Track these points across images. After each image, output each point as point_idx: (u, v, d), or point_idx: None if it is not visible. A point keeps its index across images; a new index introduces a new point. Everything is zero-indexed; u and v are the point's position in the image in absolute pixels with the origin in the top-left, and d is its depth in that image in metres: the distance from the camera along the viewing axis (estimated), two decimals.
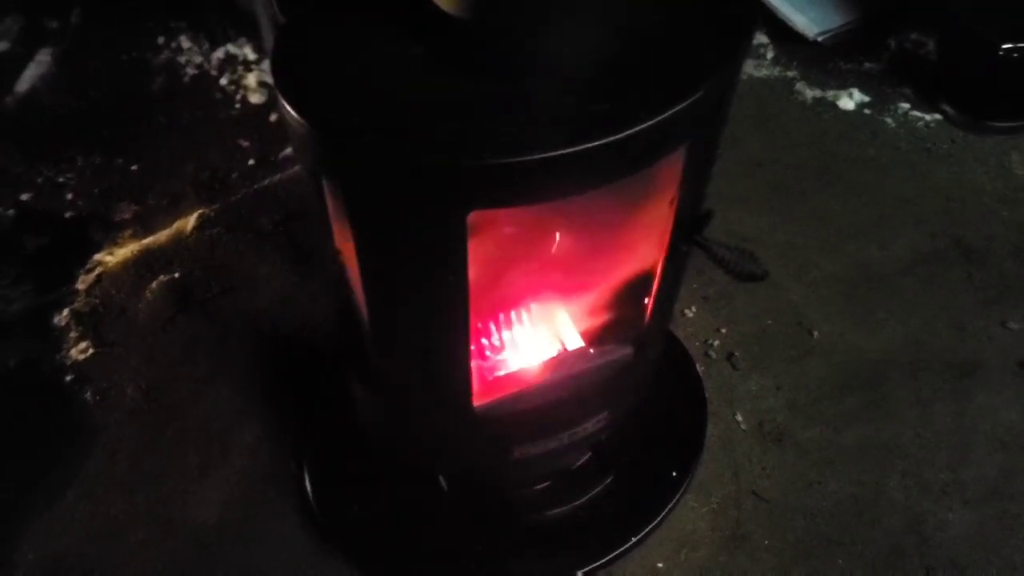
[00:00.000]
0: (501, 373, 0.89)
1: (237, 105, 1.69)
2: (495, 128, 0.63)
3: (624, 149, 0.64)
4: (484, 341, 0.89)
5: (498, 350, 0.89)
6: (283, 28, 0.70)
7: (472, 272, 0.71)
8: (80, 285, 1.41)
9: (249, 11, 1.82)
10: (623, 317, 0.90)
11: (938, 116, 1.64)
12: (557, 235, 0.78)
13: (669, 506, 1.16)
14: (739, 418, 1.26)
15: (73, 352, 1.33)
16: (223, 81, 1.73)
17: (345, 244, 0.86)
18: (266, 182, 1.55)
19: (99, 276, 1.42)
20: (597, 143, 0.62)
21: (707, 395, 1.27)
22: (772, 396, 1.28)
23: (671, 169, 0.73)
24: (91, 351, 1.33)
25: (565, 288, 0.84)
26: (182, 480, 1.20)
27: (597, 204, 0.73)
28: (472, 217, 0.67)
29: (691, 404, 1.26)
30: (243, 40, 1.79)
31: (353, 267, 0.86)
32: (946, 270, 1.42)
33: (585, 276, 0.83)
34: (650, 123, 0.64)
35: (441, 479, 1.12)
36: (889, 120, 1.65)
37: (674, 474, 1.19)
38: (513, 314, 0.88)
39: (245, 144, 1.62)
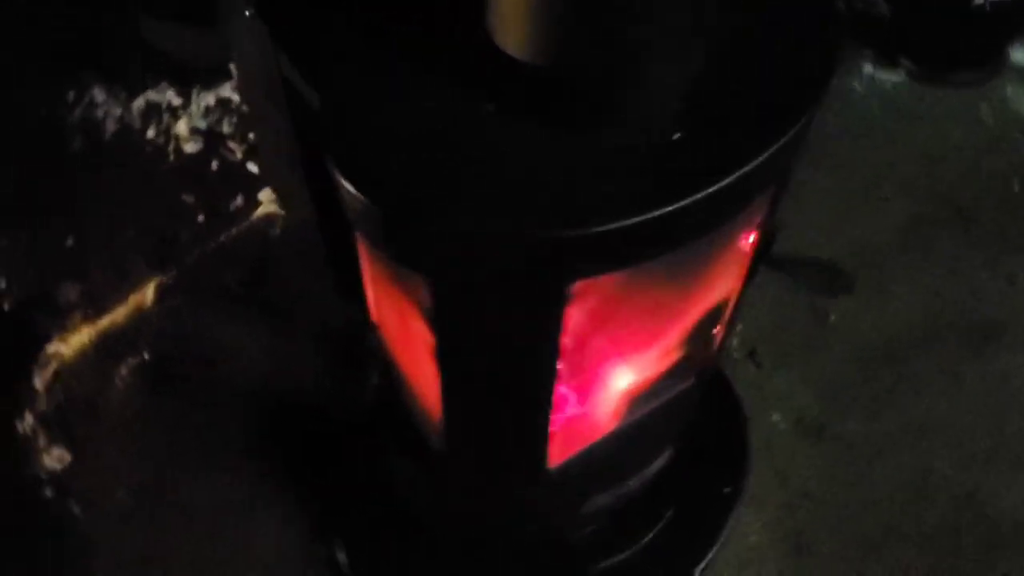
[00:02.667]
0: (573, 430, 0.82)
1: (171, 157, 1.56)
2: (593, 188, 0.56)
3: (733, 192, 0.58)
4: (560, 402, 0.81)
5: (571, 408, 0.81)
6: (328, 94, 0.60)
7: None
8: (37, 384, 1.27)
9: (160, 47, 1.68)
10: (692, 351, 0.83)
11: (903, 75, 1.63)
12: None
13: (728, 525, 1.11)
14: (775, 418, 1.22)
15: (47, 461, 1.19)
16: (150, 133, 1.59)
17: (390, 316, 0.77)
18: (222, 238, 1.43)
19: (57, 371, 1.28)
20: (708, 191, 0.56)
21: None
22: (802, 390, 1.24)
23: (763, 197, 0.67)
24: (67, 457, 1.19)
25: (642, 337, 0.77)
26: None
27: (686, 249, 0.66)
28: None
29: (726, 411, 1.20)
30: (164, 84, 1.65)
31: (403, 343, 0.78)
32: (943, 233, 1.40)
33: (664, 323, 0.76)
34: (758, 161, 0.57)
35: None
36: (856, 85, 1.62)
37: (726, 490, 1.13)
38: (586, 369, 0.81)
39: (189, 200, 1.49)
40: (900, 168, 1.49)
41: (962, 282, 1.34)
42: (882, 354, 1.27)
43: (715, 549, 1.09)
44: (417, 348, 0.73)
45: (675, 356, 0.82)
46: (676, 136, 0.58)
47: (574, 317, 0.64)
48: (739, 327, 1.30)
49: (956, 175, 1.48)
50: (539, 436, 0.74)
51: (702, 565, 1.08)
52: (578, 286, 0.59)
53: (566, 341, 0.65)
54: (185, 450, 1.20)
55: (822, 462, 1.18)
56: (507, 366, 0.66)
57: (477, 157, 0.57)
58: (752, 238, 0.73)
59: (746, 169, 0.57)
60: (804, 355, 1.27)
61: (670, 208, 0.55)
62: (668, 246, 0.59)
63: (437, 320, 0.63)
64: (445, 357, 0.66)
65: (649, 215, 0.54)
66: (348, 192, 0.56)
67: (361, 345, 1.15)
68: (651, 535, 1.06)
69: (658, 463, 0.95)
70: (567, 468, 0.82)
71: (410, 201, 0.55)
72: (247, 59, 0.80)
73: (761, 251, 0.76)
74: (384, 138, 0.57)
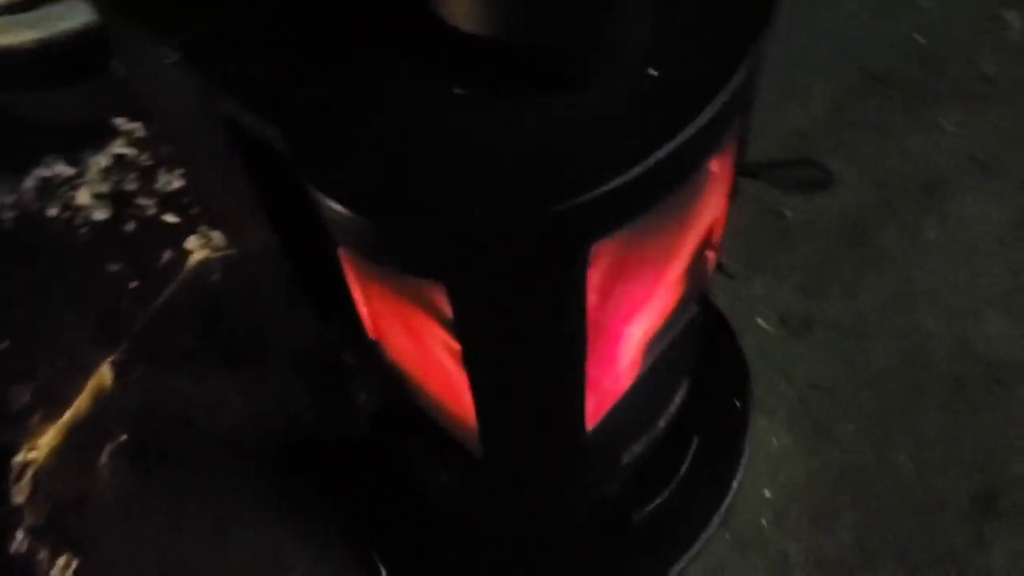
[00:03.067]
0: (603, 389, 0.81)
1: (83, 230, 1.48)
2: (588, 147, 0.54)
3: (721, 117, 0.56)
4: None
5: (599, 368, 0.80)
6: (287, 122, 0.56)
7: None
8: (18, 499, 1.20)
9: (37, 118, 1.58)
10: (693, 281, 0.83)
11: None
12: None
13: (748, 437, 1.12)
14: (761, 323, 1.23)
15: (55, 572, 1.13)
16: (52, 211, 1.51)
17: (393, 330, 0.74)
18: (162, 297, 1.36)
19: (34, 479, 1.21)
20: (701, 123, 0.54)
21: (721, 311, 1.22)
22: (778, 290, 1.25)
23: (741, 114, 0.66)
24: (74, 563, 1.13)
25: (651, 281, 0.76)
26: None
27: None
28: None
29: (713, 327, 1.21)
30: (51, 157, 1.56)
31: (412, 352, 0.75)
32: (867, 101, 1.42)
33: (668, 261, 0.75)
34: (739, 80, 0.56)
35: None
36: None
37: (737, 404, 1.14)
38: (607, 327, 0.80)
39: (116, 267, 1.41)
40: (807, 52, 1.50)
41: (898, 144, 1.37)
42: (845, 235, 1.29)
43: (743, 465, 1.10)
44: (433, 354, 0.70)
45: (680, 290, 0.81)
46: (651, 72, 0.57)
47: (593, 281, 0.63)
48: None
49: (862, 44, 1.50)
50: (577, 407, 0.73)
51: (735, 484, 1.08)
52: (595, 248, 0.58)
53: (589, 307, 0.64)
54: (194, 519, 1.15)
55: (818, 352, 1.19)
56: (538, 349, 0.65)
57: (462, 144, 0.54)
58: (731, 156, 0.72)
59: (731, 88, 0.56)
60: (771, 256, 1.28)
61: (671, 147, 0.53)
62: (674, 184, 0.58)
63: (459, 322, 0.60)
64: (472, 357, 0.64)
65: (653, 159, 0.53)
66: (341, 215, 0.53)
67: (341, 365, 1.11)
68: (682, 470, 1.06)
69: (678, 397, 0.95)
70: (603, 427, 0.81)
71: (413, 209, 0.52)
72: (169, 104, 0.75)
73: (738, 166, 0.76)
74: (362, 150, 0.54)
